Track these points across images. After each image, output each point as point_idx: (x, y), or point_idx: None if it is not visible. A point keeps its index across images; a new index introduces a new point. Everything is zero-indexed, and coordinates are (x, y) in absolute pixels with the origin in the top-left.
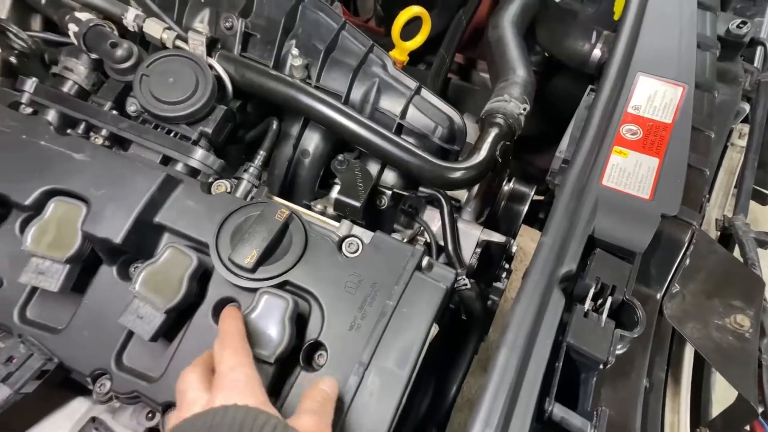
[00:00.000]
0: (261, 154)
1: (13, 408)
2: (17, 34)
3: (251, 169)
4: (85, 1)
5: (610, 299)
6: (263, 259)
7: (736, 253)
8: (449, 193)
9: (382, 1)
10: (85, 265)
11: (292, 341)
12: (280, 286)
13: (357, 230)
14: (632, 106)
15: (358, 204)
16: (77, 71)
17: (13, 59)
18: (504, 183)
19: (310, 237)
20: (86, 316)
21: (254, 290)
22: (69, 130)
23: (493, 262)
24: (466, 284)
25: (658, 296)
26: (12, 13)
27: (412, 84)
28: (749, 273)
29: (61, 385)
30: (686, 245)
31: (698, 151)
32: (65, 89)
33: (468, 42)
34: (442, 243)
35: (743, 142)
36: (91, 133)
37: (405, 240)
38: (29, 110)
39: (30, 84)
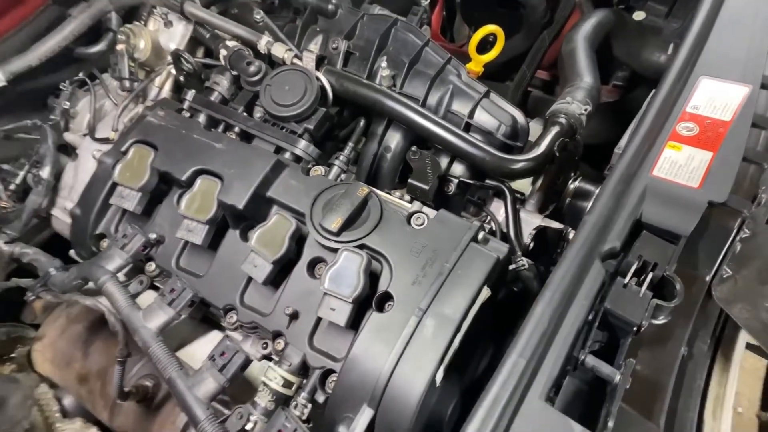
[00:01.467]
0: (349, 146)
1: (172, 330)
2: (188, 60)
3: (341, 157)
4: (232, 33)
5: (651, 275)
6: (346, 225)
7: None
8: (514, 186)
9: (474, 28)
10: (218, 228)
11: (365, 288)
12: (359, 248)
13: (425, 209)
14: (691, 106)
15: (426, 187)
16: (222, 85)
17: (181, 78)
18: (570, 182)
19: (385, 211)
20: (219, 266)
21: (338, 250)
22: (212, 129)
23: (551, 246)
24: (524, 264)
25: (707, 278)
26: (186, 45)
27: (482, 89)
28: None
29: (201, 320)
30: (735, 231)
31: (758, 146)
32: (212, 98)
33: (553, 60)
34: (505, 231)
35: None
36: (228, 130)
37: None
38: (188, 114)
39: (190, 95)
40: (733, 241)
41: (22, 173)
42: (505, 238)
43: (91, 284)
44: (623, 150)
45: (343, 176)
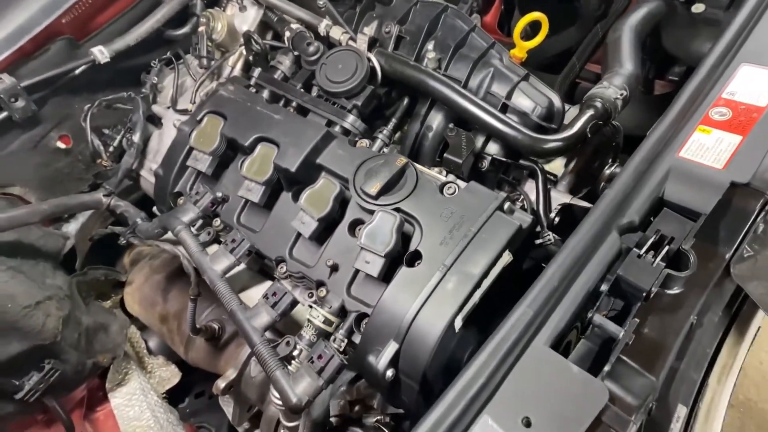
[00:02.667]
0: (392, 121)
1: (234, 277)
2: (257, 41)
3: (384, 131)
4: (296, 16)
5: (667, 248)
6: (384, 190)
7: None
8: (549, 168)
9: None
10: (273, 190)
11: (397, 245)
12: (394, 210)
13: (458, 181)
14: (727, 92)
15: (459, 161)
16: (284, 64)
17: (251, 57)
18: (607, 167)
19: (420, 180)
20: (273, 222)
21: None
22: (274, 103)
23: (577, 224)
24: (550, 239)
25: (727, 256)
26: (257, 28)
27: (522, 72)
28: None
29: (258, 271)
30: (756, 212)
31: None
32: (275, 76)
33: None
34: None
35: None
36: (287, 104)
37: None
38: (254, 89)
39: (256, 72)
40: (754, 221)
41: (118, 137)
42: (536, 215)
43: (169, 234)
44: (651, 131)
45: (385, 149)
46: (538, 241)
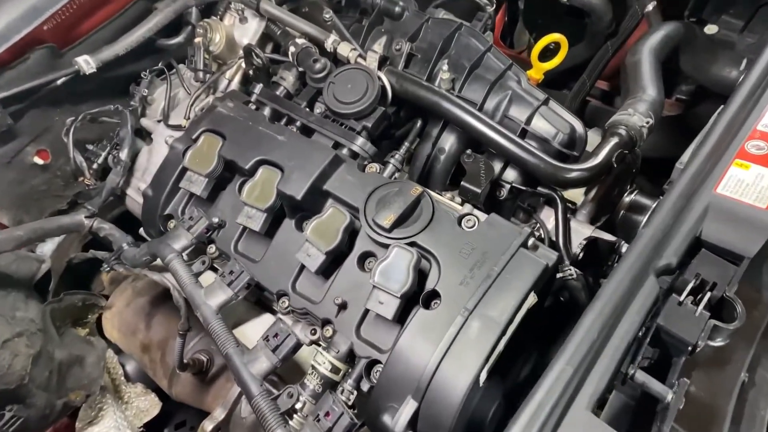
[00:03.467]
0: (405, 146)
1: (229, 310)
2: (258, 55)
3: (396, 156)
4: (302, 31)
5: (709, 294)
6: (398, 223)
7: None
8: (566, 195)
9: (536, 35)
10: (275, 217)
11: (414, 284)
12: (409, 245)
13: (476, 212)
14: (763, 124)
15: (478, 190)
16: (287, 80)
17: (250, 72)
18: (626, 194)
19: (437, 211)
20: (274, 253)
21: (388, 246)
22: (276, 122)
23: (602, 259)
24: (572, 274)
25: None
26: (258, 41)
27: (541, 96)
28: None
29: (255, 303)
30: None
31: None
32: (278, 92)
33: (614, 71)
34: (554, 239)
35: None
36: (290, 124)
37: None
38: (254, 106)
39: (258, 88)
40: None
41: (104, 154)
42: (553, 246)
43: (158, 261)
44: (686, 165)
45: (397, 175)
46: (558, 275)
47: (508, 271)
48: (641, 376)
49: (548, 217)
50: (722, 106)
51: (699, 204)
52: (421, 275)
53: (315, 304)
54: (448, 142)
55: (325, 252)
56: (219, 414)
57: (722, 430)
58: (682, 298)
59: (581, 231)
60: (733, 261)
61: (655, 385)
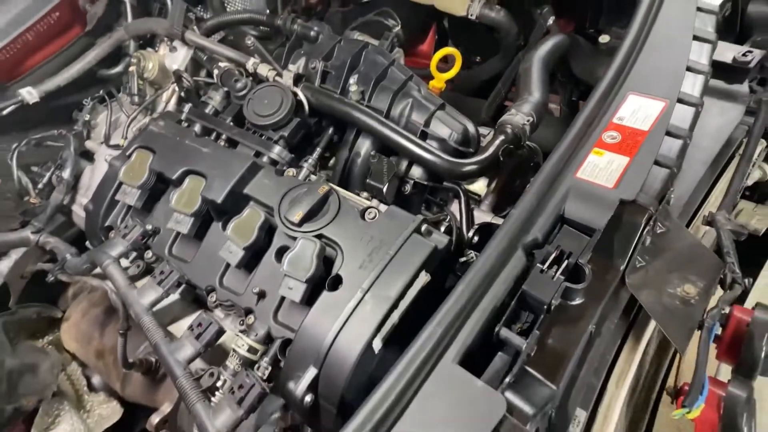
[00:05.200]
0: (317, 151)
1: (167, 309)
2: (186, 79)
3: (309, 160)
4: (225, 55)
5: (566, 262)
6: (307, 218)
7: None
8: (473, 189)
9: (462, 50)
10: (204, 221)
11: (318, 270)
12: (317, 237)
13: (381, 206)
14: (617, 117)
15: (381, 186)
16: (214, 99)
17: (182, 94)
18: (528, 185)
19: (342, 206)
20: (203, 253)
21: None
22: (206, 136)
23: None
24: (472, 257)
25: (621, 268)
26: (188, 66)
27: (438, 102)
28: (711, 256)
29: (193, 302)
30: (642, 226)
31: (670, 152)
32: (207, 110)
33: None
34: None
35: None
36: (218, 138)
37: (431, 219)
38: (185, 124)
39: (187, 108)
40: (641, 234)
41: (48, 174)
42: (460, 235)
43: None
44: (550, 154)
45: (313, 177)
46: (462, 259)
47: (401, 254)
48: (505, 333)
49: (457, 210)
50: (585, 102)
51: (563, 187)
52: (329, 263)
53: (239, 296)
54: (363, 147)
55: (243, 248)
56: (166, 408)
57: (566, 371)
58: (545, 267)
59: (484, 219)
60: (588, 234)
61: (515, 339)
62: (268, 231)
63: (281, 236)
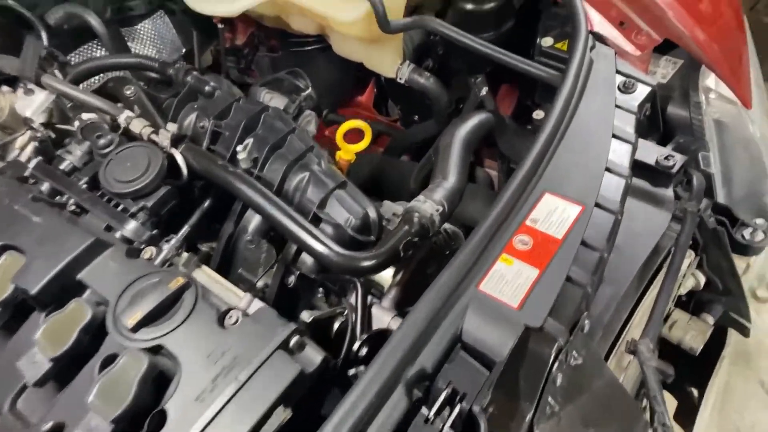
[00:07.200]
0: (185, 228)
1: None
2: (37, 129)
3: (172, 240)
4: (92, 105)
5: (459, 406)
6: (147, 321)
7: None
8: (378, 278)
9: (401, 107)
10: (23, 307)
11: (138, 401)
12: (157, 349)
13: (254, 303)
14: (531, 219)
15: (253, 280)
16: (74, 155)
17: (37, 144)
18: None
19: (198, 306)
20: (5, 357)
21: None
22: (54, 198)
23: None
24: (356, 374)
25: (528, 416)
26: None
27: (339, 179)
28: (633, 405)
29: None
30: (552, 360)
31: (585, 267)
32: (62, 167)
33: None
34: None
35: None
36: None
37: (321, 316)
38: (33, 181)
39: (32, 163)
40: (549, 371)
41: None
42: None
43: None
44: (451, 261)
45: (184, 257)
46: (351, 372)
47: (255, 381)
48: None
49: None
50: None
51: (463, 299)
52: (166, 383)
53: (27, 429)
54: (252, 222)
55: (51, 359)
56: None
57: None
58: (430, 413)
59: (382, 318)
60: (488, 365)
61: None
62: (98, 332)
63: (113, 342)
